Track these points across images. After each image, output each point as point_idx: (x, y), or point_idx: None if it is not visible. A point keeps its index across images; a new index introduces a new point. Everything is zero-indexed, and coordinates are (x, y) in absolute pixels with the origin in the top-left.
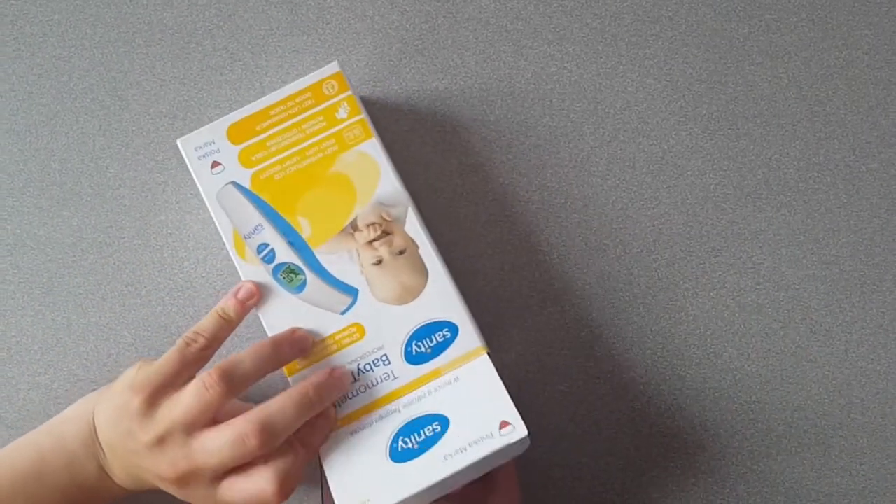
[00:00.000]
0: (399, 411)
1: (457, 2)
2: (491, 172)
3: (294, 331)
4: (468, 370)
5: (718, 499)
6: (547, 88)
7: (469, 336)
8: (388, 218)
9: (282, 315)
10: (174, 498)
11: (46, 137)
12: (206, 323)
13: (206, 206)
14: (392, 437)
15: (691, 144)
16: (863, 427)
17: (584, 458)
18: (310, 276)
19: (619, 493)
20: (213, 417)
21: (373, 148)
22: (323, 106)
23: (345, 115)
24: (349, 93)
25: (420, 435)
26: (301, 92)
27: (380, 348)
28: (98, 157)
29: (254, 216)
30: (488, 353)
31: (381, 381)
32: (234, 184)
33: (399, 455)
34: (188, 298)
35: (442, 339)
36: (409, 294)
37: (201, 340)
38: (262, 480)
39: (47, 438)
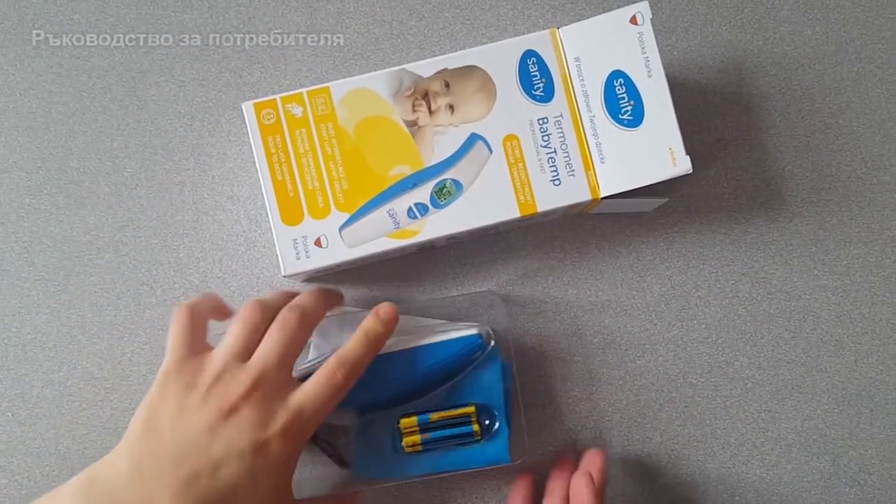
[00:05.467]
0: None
1: None
2: None
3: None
4: None
5: None
6: None
7: None
8: None
9: None
10: None
11: (64, 136)
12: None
13: (222, 207)
14: None
15: (705, 154)
16: (872, 437)
17: None
18: None
19: (631, 501)
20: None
21: None
22: None
23: None
24: None
25: None
26: None
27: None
28: (116, 157)
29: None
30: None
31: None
32: None
33: None
34: None
35: None
36: None
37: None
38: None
39: None
